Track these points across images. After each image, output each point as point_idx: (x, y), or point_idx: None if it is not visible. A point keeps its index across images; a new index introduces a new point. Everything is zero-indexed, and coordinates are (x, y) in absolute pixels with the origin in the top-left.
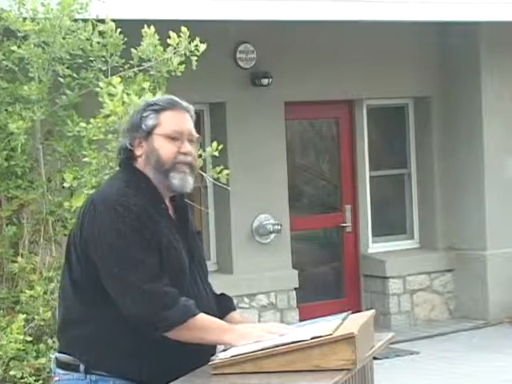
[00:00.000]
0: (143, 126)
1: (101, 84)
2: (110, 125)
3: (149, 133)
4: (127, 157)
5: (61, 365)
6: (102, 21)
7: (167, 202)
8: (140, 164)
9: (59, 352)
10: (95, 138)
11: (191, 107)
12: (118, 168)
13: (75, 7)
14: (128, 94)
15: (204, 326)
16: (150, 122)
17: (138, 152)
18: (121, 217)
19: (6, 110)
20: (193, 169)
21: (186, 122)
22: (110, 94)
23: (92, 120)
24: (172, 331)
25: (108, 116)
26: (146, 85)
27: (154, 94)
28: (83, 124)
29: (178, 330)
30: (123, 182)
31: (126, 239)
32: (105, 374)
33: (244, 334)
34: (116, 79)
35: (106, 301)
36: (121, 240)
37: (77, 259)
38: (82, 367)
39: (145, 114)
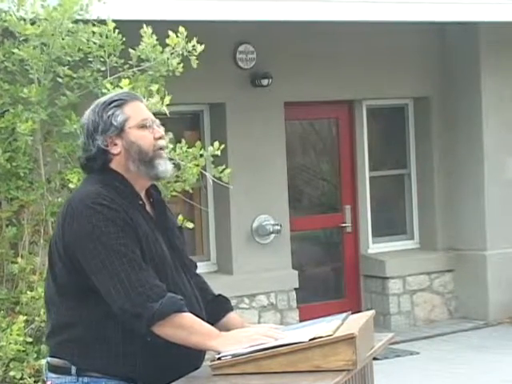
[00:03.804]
0: (114, 123)
1: (107, 85)
2: None
3: (121, 129)
4: (104, 160)
5: (52, 368)
6: (102, 22)
7: (144, 198)
8: (118, 162)
9: (50, 356)
10: None
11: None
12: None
13: (76, 9)
14: None
15: (190, 326)
16: (118, 118)
17: (114, 151)
18: (100, 214)
19: (8, 110)
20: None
21: (147, 110)
22: None
23: None
24: (156, 325)
25: None
26: (154, 88)
27: (162, 97)
28: None
29: (162, 325)
30: (98, 182)
31: (106, 235)
32: (96, 375)
33: (235, 338)
34: (125, 81)
35: (93, 302)
36: (102, 236)
37: (61, 263)
38: (73, 370)
39: (110, 112)
